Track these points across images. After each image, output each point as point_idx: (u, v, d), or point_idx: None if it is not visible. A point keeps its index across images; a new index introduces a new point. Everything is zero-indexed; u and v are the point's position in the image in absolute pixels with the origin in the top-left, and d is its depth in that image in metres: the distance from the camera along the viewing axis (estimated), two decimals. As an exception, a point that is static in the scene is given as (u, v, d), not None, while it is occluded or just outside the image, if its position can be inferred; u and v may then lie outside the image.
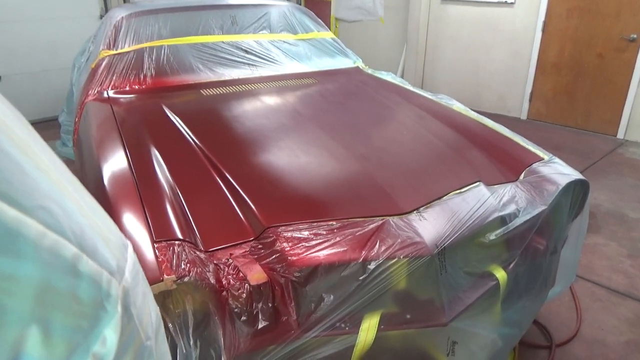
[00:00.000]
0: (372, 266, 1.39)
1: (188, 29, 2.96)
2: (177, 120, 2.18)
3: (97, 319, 0.39)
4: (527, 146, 2.15)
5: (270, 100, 2.50)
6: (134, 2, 3.86)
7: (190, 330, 1.21)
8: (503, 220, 1.68)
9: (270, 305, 1.34)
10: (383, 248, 1.42)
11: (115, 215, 1.48)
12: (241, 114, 2.32)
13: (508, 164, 2.01)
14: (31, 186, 0.35)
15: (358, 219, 1.53)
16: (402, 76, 6.56)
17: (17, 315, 0.32)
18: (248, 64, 2.93)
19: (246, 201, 1.60)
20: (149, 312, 0.50)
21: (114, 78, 2.62)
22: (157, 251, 1.32)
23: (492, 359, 1.78)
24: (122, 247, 0.46)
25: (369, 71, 3.25)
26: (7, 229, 0.32)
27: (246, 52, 2.98)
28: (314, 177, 1.78)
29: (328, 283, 1.38)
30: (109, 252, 0.42)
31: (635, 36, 4.92)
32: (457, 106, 2.58)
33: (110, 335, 0.40)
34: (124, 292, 0.42)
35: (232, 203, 1.61)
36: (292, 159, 1.90)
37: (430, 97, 2.72)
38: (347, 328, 1.40)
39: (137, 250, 1.33)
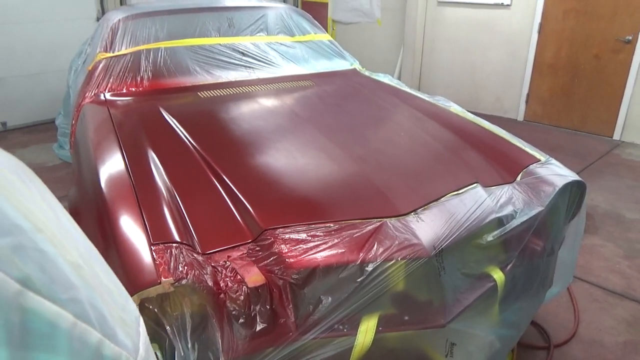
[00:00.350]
0: (369, 268, 1.39)
1: (185, 31, 2.96)
2: (174, 123, 2.18)
3: None
4: (523, 147, 2.15)
5: (268, 103, 2.50)
6: (131, 5, 3.86)
7: (188, 333, 1.21)
8: (500, 222, 1.68)
9: (268, 307, 1.34)
10: (381, 250, 1.42)
11: (112, 218, 1.48)
12: (238, 116, 2.32)
13: (505, 166, 2.01)
14: (63, 279, 0.37)
15: (356, 221, 1.53)
16: (399, 78, 6.57)
17: None
18: (245, 66, 2.93)
19: (244, 203, 1.60)
20: None
21: (111, 80, 2.61)
22: (154, 254, 1.31)
23: (490, 360, 1.79)
24: (135, 324, 0.49)
25: (366, 73, 3.25)
26: (50, 325, 0.34)
27: (243, 54, 2.98)
28: (311, 179, 1.78)
29: (326, 285, 1.38)
30: (125, 332, 0.45)
31: (630, 38, 4.95)
32: (454, 108, 2.58)
33: None
34: (145, 346, 0.46)
35: (229, 205, 1.61)
36: (290, 161, 1.90)
37: (427, 98, 2.72)
38: (345, 330, 1.40)
39: (134, 253, 1.32)
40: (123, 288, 0.52)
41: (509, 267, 1.72)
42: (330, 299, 1.37)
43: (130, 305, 0.50)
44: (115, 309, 0.45)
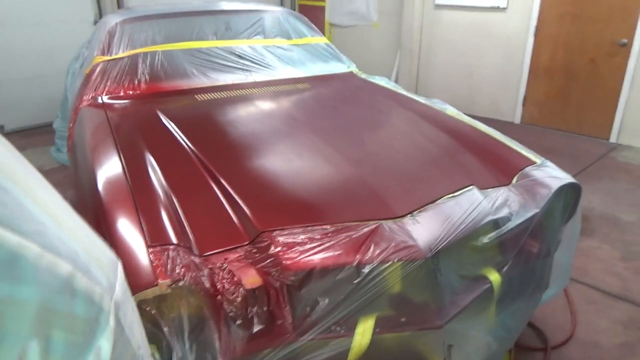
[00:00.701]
0: (366, 270, 1.40)
1: (182, 34, 2.96)
2: (171, 126, 2.18)
3: (92, 333, 0.41)
4: (519, 150, 2.16)
5: (264, 105, 2.51)
6: (129, 8, 3.86)
7: (186, 335, 1.21)
8: (496, 224, 1.69)
9: (265, 309, 1.34)
10: (377, 252, 1.43)
11: (109, 221, 1.48)
12: (235, 119, 2.33)
13: (501, 168, 2.02)
14: (28, 216, 0.37)
15: (352, 223, 1.54)
16: (396, 81, 6.59)
17: (18, 335, 0.34)
18: (242, 69, 2.94)
19: (240, 206, 1.60)
20: (139, 322, 0.53)
21: (108, 83, 2.62)
22: (151, 256, 1.32)
23: (486, 362, 1.79)
24: (112, 265, 0.49)
25: (363, 76, 3.26)
26: (10, 253, 0.34)
27: (240, 57, 2.99)
28: (308, 182, 1.79)
29: (323, 287, 1.38)
30: (100, 270, 0.44)
31: (626, 41, 4.97)
32: (451, 110, 2.59)
33: (104, 345, 0.41)
34: (115, 306, 0.45)
35: (226, 208, 1.62)
36: (286, 163, 1.90)
37: (423, 101, 2.73)
38: (342, 331, 1.41)
39: (131, 255, 1.33)
40: (99, 238, 0.51)
41: (505, 268, 1.73)
42: (327, 300, 1.38)
43: (107, 251, 0.50)
44: (89, 248, 0.45)
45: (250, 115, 2.38)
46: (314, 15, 6.90)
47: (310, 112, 2.46)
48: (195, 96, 2.61)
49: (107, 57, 2.73)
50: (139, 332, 0.52)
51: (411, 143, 2.17)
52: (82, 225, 0.49)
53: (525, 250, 1.82)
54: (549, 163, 2.07)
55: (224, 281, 1.32)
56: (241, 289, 1.31)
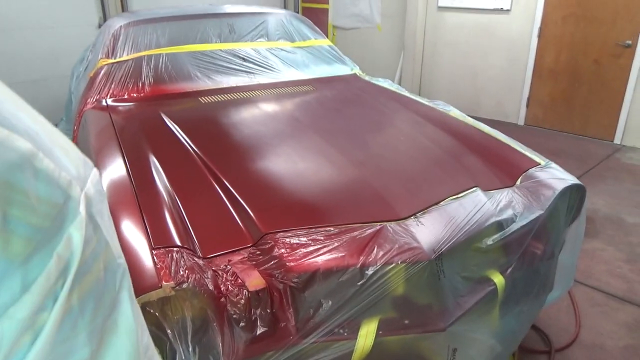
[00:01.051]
0: (370, 272, 1.40)
1: (186, 37, 2.97)
2: (175, 128, 2.19)
3: (60, 220, 0.38)
4: (523, 151, 2.16)
5: (268, 108, 2.51)
6: (133, 11, 3.88)
7: (189, 337, 1.21)
8: (500, 226, 1.68)
9: (268, 311, 1.35)
10: (381, 253, 1.43)
11: (114, 222, 1.48)
12: (239, 121, 2.33)
13: (505, 170, 2.02)
14: None
15: (356, 225, 1.54)
16: (399, 83, 6.59)
17: None
18: (246, 71, 2.94)
19: (244, 208, 1.60)
20: (117, 242, 0.50)
21: (113, 86, 2.63)
22: (155, 258, 1.32)
23: (491, 364, 1.78)
24: (83, 162, 0.46)
25: (366, 78, 3.26)
26: None
27: (244, 60, 3.00)
28: (311, 184, 1.79)
29: (326, 288, 1.38)
30: (67, 158, 0.42)
31: (630, 42, 4.96)
32: (454, 112, 2.59)
33: (74, 235, 0.39)
34: (86, 199, 0.42)
35: (230, 210, 1.62)
36: (290, 165, 1.91)
37: (427, 103, 2.73)
38: (345, 334, 1.41)
39: (135, 257, 1.33)
40: (71, 144, 0.48)
41: (509, 270, 1.73)
42: (330, 302, 1.38)
43: (79, 152, 0.47)
44: (55, 138, 0.42)
45: (254, 117, 2.39)
46: (318, 18, 6.91)
47: (313, 114, 2.46)
48: (199, 99, 2.62)
49: (111, 60, 2.74)
50: (117, 242, 0.49)
51: (414, 145, 2.17)
52: (53, 129, 0.46)
53: (530, 252, 1.82)
54: (553, 164, 2.06)
55: (227, 283, 1.32)
56: (245, 291, 1.31)
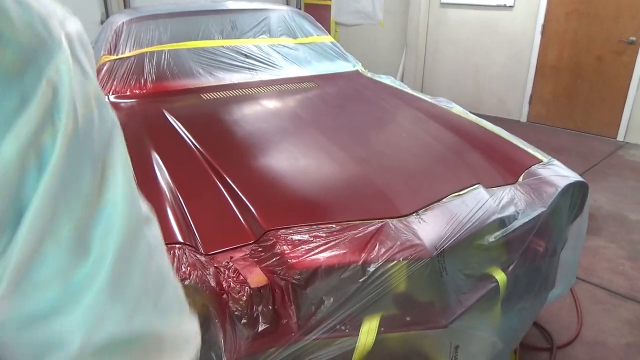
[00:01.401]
0: (371, 268, 1.40)
1: (188, 34, 2.97)
2: (177, 125, 2.19)
3: (42, 44, 0.36)
4: (525, 148, 2.15)
5: (270, 104, 2.51)
6: (135, 8, 3.88)
7: (191, 333, 1.21)
8: (502, 223, 1.68)
9: (270, 307, 1.35)
10: (382, 250, 1.43)
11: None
12: (241, 117, 2.33)
13: (507, 167, 2.01)
14: None
15: (357, 222, 1.54)
16: (401, 80, 6.58)
17: None
18: (248, 68, 2.94)
19: (246, 204, 1.60)
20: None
21: (115, 83, 2.63)
22: (157, 254, 1.32)
23: (492, 361, 1.79)
24: (61, 8, 0.44)
25: (369, 75, 3.26)
26: None
27: (246, 56, 2.99)
28: (313, 180, 1.79)
29: (328, 285, 1.38)
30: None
31: (634, 39, 4.94)
32: (456, 109, 2.59)
33: (61, 67, 0.37)
34: (68, 39, 0.40)
35: (232, 206, 1.62)
36: (292, 162, 1.90)
37: (429, 100, 2.73)
38: (347, 330, 1.41)
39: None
40: None
41: (511, 268, 1.72)
42: (332, 299, 1.38)
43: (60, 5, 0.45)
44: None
45: (256, 114, 2.39)
46: (320, 14, 6.89)
47: (316, 110, 2.46)
48: (202, 95, 2.62)
49: (114, 57, 2.74)
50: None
51: (417, 141, 2.16)
52: None
53: (532, 249, 1.81)
54: (555, 161, 2.06)
55: (229, 280, 1.32)
56: (246, 287, 1.31)
